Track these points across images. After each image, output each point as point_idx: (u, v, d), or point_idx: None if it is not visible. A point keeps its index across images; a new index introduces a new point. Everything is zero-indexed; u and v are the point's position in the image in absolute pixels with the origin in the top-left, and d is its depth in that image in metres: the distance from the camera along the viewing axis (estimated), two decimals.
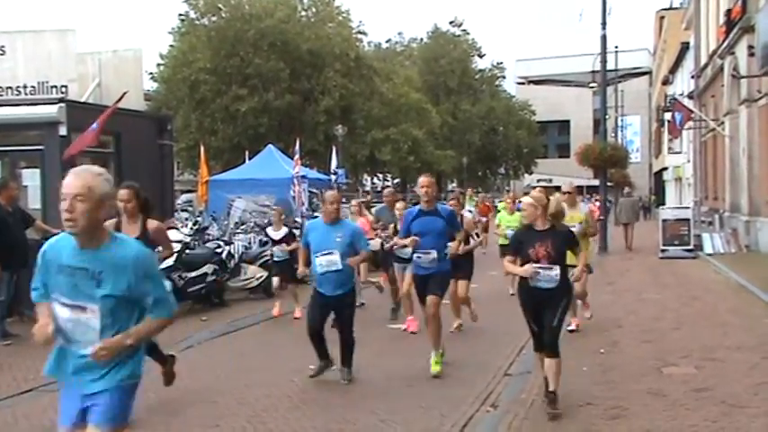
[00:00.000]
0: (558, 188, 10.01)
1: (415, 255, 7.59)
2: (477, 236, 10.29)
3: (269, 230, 11.84)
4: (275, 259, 11.42)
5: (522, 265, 6.18)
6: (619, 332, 9.61)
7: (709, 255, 19.67)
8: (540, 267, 6.01)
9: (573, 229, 8.71)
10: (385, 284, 11.53)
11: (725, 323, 10.02)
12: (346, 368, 7.21)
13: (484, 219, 18.99)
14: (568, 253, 8.52)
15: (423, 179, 7.66)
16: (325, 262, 6.98)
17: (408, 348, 8.63)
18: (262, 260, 13.29)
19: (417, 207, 7.72)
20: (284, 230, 11.33)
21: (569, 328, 8.80)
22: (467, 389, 6.85)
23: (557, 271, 6.02)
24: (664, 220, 21.01)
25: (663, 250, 20.24)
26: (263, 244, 13.64)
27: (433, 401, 6.50)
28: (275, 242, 11.28)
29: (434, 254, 7.40)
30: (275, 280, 11.61)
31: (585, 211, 9.54)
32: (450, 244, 7.70)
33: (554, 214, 6.28)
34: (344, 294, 7.14)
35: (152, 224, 6.32)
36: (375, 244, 11.36)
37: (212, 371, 7.92)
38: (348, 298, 7.21)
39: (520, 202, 17.63)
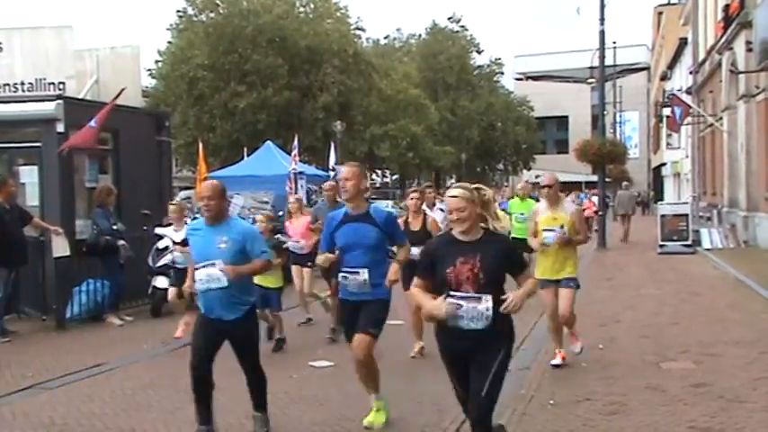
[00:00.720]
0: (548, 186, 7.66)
1: (340, 274, 5.64)
2: None
3: (168, 230, 9.93)
4: (177, 266, 9.19)
5: (437, 291, 4.21)
6: (617, 327, 9.62)
7: (708, 250, 19.70)
8: (460, 298, 4.08)
9: (552, 233, 7.15)
10: (332, 299, 9.25)
11: (723, 318, 10.02)
12: (260, 413, 5.57)
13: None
14: (564, 259, 7.35)
15: (344, 169, 5.70)
16: (205, 276, 5.27)
17: (406, 344, 8.61)
18: None
19: (344, 209, 5.72)
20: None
21: (554, 362, 7.42)
22: None
23: (487, 304, 4.05)
24: (662, 216, 21.07)
25: (661, 246, 20.27)
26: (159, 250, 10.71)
27: (431, 397, 6.50)
28: (176, 244, 9.19)
29: (364, 274, 5.48)
30: (171, 291, 9.29)
31: (571, 212, 7.43)
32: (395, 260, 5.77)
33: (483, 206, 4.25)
34: (238, 321, 5.34)
35: None
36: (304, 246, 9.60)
37: None
38: (245, 325, 5.40)
39: (506, 200, 16.05)
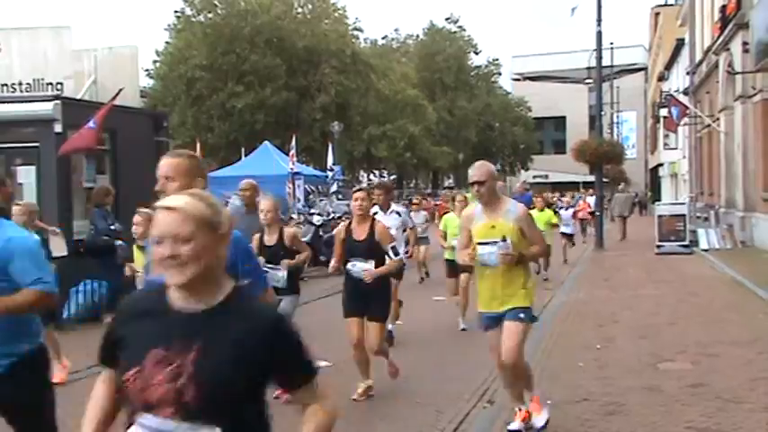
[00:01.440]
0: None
1: None
2: (397, 253, 6.37)
3: None
4: None
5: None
6: (615, 328, 9.63)
7: (705, 250, 19.71)
8: (154, 428, 1.95)
9: (489, 248, 5.02)
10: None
11: (721, 319, 10.04)
12: None
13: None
14: (509, 284, 5.12)
15: (163, 161, 3.42)
16: None
17: (405, 342, 8.62)
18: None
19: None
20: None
21: (511, 427, 5.47)
22: (463, 385, 6.85)
23: None
24: (659, 216, 21.10)
25: (658, 246, 20.29)
26: None
27: (429, 398, 6.51)
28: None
29: None
30: None
31: (516, 217, 5.14)
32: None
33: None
34: (3, 378, 3.35)
35: None
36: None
37: None
38: (14, 384, 3.36)
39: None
